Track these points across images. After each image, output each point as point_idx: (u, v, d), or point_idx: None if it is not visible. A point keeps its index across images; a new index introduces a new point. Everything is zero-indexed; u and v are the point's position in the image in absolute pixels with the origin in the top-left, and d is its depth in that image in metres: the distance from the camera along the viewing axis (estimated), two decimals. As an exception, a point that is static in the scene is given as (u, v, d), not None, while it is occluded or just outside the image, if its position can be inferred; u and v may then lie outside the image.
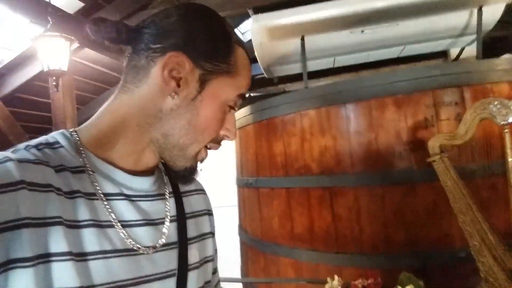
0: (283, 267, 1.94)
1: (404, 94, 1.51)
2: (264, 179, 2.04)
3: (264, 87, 3.93)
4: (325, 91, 1.71)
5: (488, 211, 1.45)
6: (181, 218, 0.60)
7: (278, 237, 1.96)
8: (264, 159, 2.04)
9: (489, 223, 1.22)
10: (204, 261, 0.64)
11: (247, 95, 3.55)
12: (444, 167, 1.21)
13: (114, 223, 0.50)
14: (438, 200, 1.49)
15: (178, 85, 0.52)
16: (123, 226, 0.51)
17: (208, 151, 0.59)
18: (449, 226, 1.49)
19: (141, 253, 0.52)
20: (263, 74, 2.88)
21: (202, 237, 0.65)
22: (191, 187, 0.68)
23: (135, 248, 0.51)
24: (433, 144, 1.23)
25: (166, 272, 0.54)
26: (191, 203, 0.65)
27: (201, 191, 0.70)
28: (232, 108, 0.57)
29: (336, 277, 1.24)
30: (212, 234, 0.69)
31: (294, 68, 2.75)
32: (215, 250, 0.72)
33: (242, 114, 2.24)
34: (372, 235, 1.61)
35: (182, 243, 0.58)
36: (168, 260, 0.55)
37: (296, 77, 3.26)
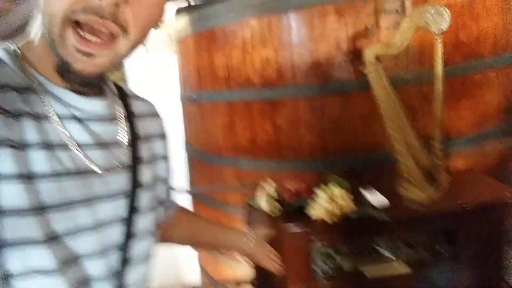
0: (227, 175, 2.02)
1: (345, 2, 1.47)
2: (207, 93, 2.00)
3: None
4: (263, -2, 1.61)
5: (418, 118, 1.56)
6: (134, 140, 0.60)
7: (222, 149, 2.00)
8: (205, 73, 1.97)
9: (416, 129, 1.32)
10: (156, 182, 0.65)
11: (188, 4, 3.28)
12: (377, 76, 1.25)
13: (66, 144, 0.49)
14: (373, 109, 1.56)
15: None
16: (74, 148, 0.50)
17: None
18: (380, 132, 1.59)
19: (93, 174, 0.52)
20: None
21: (155, 159, 0.65)
22: (145, 110, 0.66)
23: (87, 169, 0.51)
24: (368, 54, 1.25)
25: (119, 192, 0.55)
26: (145, 126, 0.64)
27: (154, 114, 0.69)
28: None
29: (271, 181, 1.31)
30: (165, 156, 0.68)
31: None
32: (170, 172, 0.73)
33: (181, 24, 2.09)
34: (310, 143, 1.69)
35: (135, 164, 0.58)
36: (121, 181, 0.56)
37: None
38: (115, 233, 0.55)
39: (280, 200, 1.30)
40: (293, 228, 1.19)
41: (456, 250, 1.16)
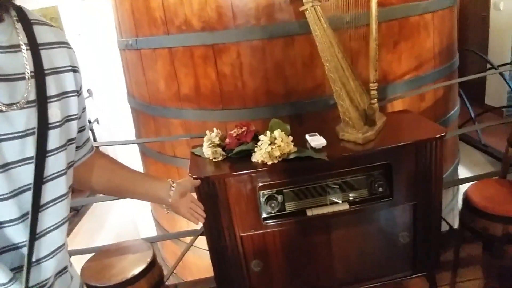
0: (173, 128, 1.97)
1: None
2: (145, 39, 1.87)
3: None
4: None
5: (357, 60, 1.58)
6: (39, 73, 0.53)
7: (166, 99, 1.92)
8: (141, 16, 1.83)
9: (355, 71, 1.33)
10: (66, 120, 0.60)
11: None
12: (315, 16, 1.22)
13: None
14: (314, 52, 1.55)
15: None
16: None
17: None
18: (322, 77, 1.60)
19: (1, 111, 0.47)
20: None
21: (64, 95, 0.59)
22: (52, 39, 0.58)
23: None
24: (307, -8, 1.20)
25: (25, 131, 0.51)
26: (52, 58, 0.57)
27: (64, 44, 0.61)
28: None
29: (214, 129, 1.29)
30: (77, 92, 0.62)
31: None
32: (83, 109, 0.68)
33: (111, -40, 1.89)
34: (254, 89, 1.67)
35: (41, 101, 0.53)
36: (27, 119, 0.51)
37: None
38: (24, 174, 0.51)
39: (223, 146, 1.29)
40: (235, 171, 1.19)
41: (391, 189, 1.23)
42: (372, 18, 1.16)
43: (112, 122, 3.92)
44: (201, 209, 1.03)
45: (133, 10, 1.86)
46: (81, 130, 0.70)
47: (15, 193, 0.50)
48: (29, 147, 0.52)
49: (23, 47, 0.52)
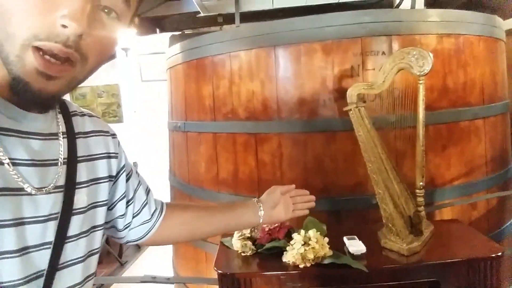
0: (207, 210, 1.94)
1: (333, 40, 1.46)
2: (192, 123, 1.96)
3: (208, 26, 3.71)
4: (255, 32, 1.61)
5: (401, 162, 1.52)
6: (71, 160, 0.56)
7: (204, 181, 1.93)
8: (192, 102, 1.95)
9: (399, 173, 1.27)
10: (93, 206, 0.60)
11: (181, 32, 3.34)
12: (358, 116, 1.21)
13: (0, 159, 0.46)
14: (356, 149, 1.52)
15: None
16: (7, 165, 0.46)
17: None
18: (364, 174, 1.54)
19: (24, 194, 0.48)
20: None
21: (94, 181, 0.61)
22: (89, 128, 0.62)
23: (18, 187, 0.47)
24: (351, 93, 1.22)
25: (49, 215, 0.51)
26: (87, 145, 0.61)
27: (103, 132, 0.65)
28: None
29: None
30: (109, 177, 0.64)
31: (232, 5, 2.58)
32: (135, 190, 0.73)
33: (172, 52, 2.09)
34: (292, 180, 1.63)
35: (69, 186, 0.54)
36: (53, 204, 0.52)
37: (248, 17, 3.07)
38: (41, 260, 0.50)
39: (254, 240, 1.23)
40: (264, 270, 1.11)
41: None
42: (419, 123, 1.13)
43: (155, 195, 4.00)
44: (302, 196, 0.98)
45: (185, 95, 1.99)
46: (143, 206, 0.75)
47: (28, 279, 0.48)
48: (50, 231, 0.51)
49: (61, 135, 0.55)
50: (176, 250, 2.35)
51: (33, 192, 0.49)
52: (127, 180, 0.71)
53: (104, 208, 0.63)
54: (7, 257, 0.45)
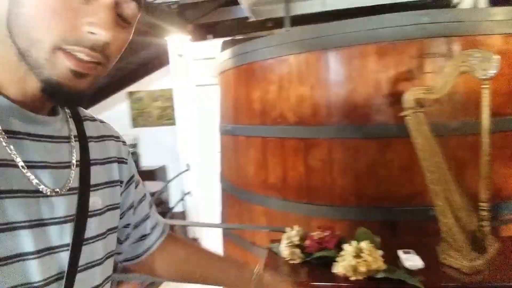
0: (256, 214, 1.95)
1: (388, 43, 1.40)
2: (242, 126, 1.98)
3: (258, 31, 3.73)
4: (305, 36, 1.58)
5: (464, 173, 1.41)
6: (84, 163, 0.57)
7: (253, 185, 1.94)
8: (242, 106, 1.96)
9: (460, 184, 1.18)
10: (108, 209, 0.61)
11: (232, 38, 3.39)
12: (417, 123, 1.14)
13: (12, 162, 0.46)
14: (413, 157, 1.43)
15: None
16: (20, 167, 0.47)
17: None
18: (422, 184, 1.45)
19: (40, 196, 0.49)
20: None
21: (108, 184, 0.62)
22: (100, 132, 0.64)
23: (34, 189, 0.48)
24: (408, 98, 1.15)
25: (65, 217, 0.52)
26: (99, 149, 0.62)
27: (113, 137, 0.67)
28: None
29: (295, 228, 1.22)
30: (120, 182, 0.66)
31: (282, 10, 2.57)
32: (140, 199, 0.73)
33: (223, 58, 2.12)
34: (343, 187, 1.58)
35: (83, 188, 0.56)
36: (68, 205, 0.53)
37: (297, 21, 3.05)
38: (60, 262, 0.51)
39: (302, 247, 1.20)
40: (312, 280, 1.08)
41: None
42: (484, 130, 1.04)
43: (203, 198, 4.09)
44: None
45: (235, 100, 2.01)
46: (144, 218, 0.74)
47: (48, 281, 0.49)
48: (67, 233, 0.52)
49: (72, 138, 0.56)
50: (225, 253, 2.38)
51: (49, 193, 0.49)
52: (135, 189, 0.72)
53: (118, 211, 0.65)
54: (27, 259, 0.46)
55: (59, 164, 0.53)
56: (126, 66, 4.83)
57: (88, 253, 0.54)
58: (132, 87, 5.43)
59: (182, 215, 4.45)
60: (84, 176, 0.56)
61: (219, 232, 2.58)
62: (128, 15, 0.48)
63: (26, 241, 0.46)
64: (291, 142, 1.70)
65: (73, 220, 0.53)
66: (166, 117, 5.34)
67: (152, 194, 3.96)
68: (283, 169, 1.76)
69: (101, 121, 0.67)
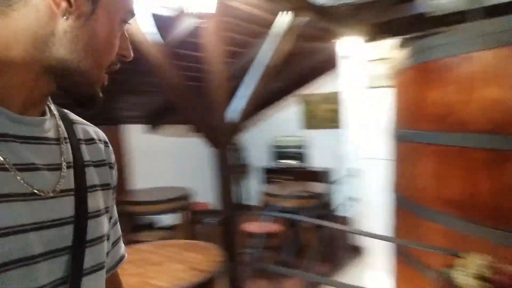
0: (432, 234, 1.72)
1: None
2: (417, 132, 1.79)
3: (437, 27, 3.32)
4: (496, 28, 1.31)
5: None
6: (78, 164, 0.57)
7: (427, 199, 1.73)
8: (418, 109, 1.77)
9: None
10: (106, 211, 0.62)
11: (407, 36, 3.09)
12: None
13: (5, 165, 0.46)
14: None
15: (70, 5, 0.47)
16: (10, 170, 0.46)
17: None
18: None
19: (33, 199, 0.48)
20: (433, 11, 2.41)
21: (102, 187, 0.62)
22: (91, 135, 0.64)
23: (24, 192, 0.47)
24: None
25: (64, 218, 0.52)
26: (90, 152, 0.62)
27: (101, 141, 0.66)
28: (125, 23, 0.57)
29: (480, 255, 1.02)
30: (110, 186, 0.65)
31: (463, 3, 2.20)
32: (114, 202, 0.69)
33: (398, 57, 1.97)
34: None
35: (81, 189, 0.56)
36: (66, 207, 0.52)
37: (480, 14, 2.60)
38: (64, 265, 0.50)
39: (489, 280, 1.00)
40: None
41: None
42: None
43: (369, 205, 3.93)
44: None
45: (410, 102, 1.84)
46: (114, 224, 0.69)
47: (53, 285, 0.49)
48: (68, 236, 0.51)
49: (63, 140, 0.56)
50: (395, 272, 2.21)
51: (43, 195, 0.49)
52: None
53: (107, 215, 0.63)
54: (30, 263, 0.45)
55: (50, 166, 0.52)
56: (297, 70, 5.06)
57: (91, 256, 0.54)
58: (303, 90, 5.66)
59: (345, 220, 4.38)
60: (80, 177, 0.56)
61: (385, 243, 2.41)
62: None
63: (28, 244, 0.45)
64: (478, 153, 1.44)
65: (72, 222, 0.52)
66: (331, 120, 5.35)
67: (316, 196, 4.03)
68: (467, 184, 1.51)
69: (90, 125, 0.67)
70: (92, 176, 0.60)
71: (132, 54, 0.59)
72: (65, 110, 0.63)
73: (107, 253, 0.63)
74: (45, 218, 0.49)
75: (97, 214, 0.58)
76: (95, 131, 0.66)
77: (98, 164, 0.63)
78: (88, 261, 0.54)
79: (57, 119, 0.58)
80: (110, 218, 0.66)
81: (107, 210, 0.63)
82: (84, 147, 0.61)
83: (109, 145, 0.68)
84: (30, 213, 0.47)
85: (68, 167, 0.55)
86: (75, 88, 0.53)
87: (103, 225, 0.60)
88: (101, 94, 0.56)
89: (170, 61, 2.49)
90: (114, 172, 0.68)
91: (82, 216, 0.54)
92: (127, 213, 3.72)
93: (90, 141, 0.63)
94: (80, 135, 0.62)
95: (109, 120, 4.56)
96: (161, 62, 2.44)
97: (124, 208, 3.67)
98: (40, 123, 0.53)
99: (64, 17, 0.48)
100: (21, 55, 0.47)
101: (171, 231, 4.31)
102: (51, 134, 0.55)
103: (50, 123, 0.56)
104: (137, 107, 4.64)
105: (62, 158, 0.55)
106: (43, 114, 0.56)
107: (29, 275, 0.45)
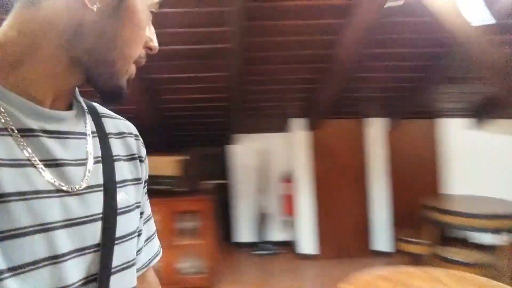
0: None
1: None
2: None
3: None
4: None
5: None
6: (107, 159, 0.56)
7: None
8: None
9: None
10: (136, 206, 0.60)
11: None
12: None
13: (31, 162, 0.45)
14: None
15: None
16: (38, 166, 0.46)
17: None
18: None
19: (66, 194, 0.48)
20: None
21: (134, 181, 0.60)
22: (120, 129, 0.62)
23: (58, 188, 0.47)
24: None
25: (93, 215, 0.50)
26: (121, 145, 0.61)
27: (132, 135, 0.64)
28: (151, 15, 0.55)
29: None
30: (141, 180, 0.63)
31: None
32: (146, 196, 0.67)
33: None
34: None
35: (109, 184, 0.54)
36: (94, 203, 0.51)
37: None
38: (94, 263, 0.49)
39: None
40: None
41: None
42: None
43: None
44: None
45: None
46: (143, 217, 0.66)
47: (83, 282, 0.48)
48: (98, 232, 0.50)
49: (91, 134, 0.55)
50: None
51: (72, 191, 0.48)
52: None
53: (139, 210, 0.62)
54: (59, 261, 0.45)
55: (78, 161, 0.51)
56: None
57: (120, 253, 0.53)
58: None
59: None
60: (109, 171, 0.55)
61: None
62: None
63: (57, 242, 0.45)
64: None
65: (101, 218, 0.51)
66: None
67: None
68: None
69: (120, 118, 0.65)
70: (122, 170, 0.59)
71: (157, 47, 0.56)
72: (93, 103, 0.62)
73: (140, 250, 0.64)
74: (73, 215, 0.48)
75: (127, 210, 0.57)
76: (124, 124, 0.65)
77: (129, 158, 0.62)
78: (117, 258, 0.53)
79: (85, 112, 0.58)
80: (142, 213, 0.65)
81: (138, 205, 0.61)
82: (113, 141, 0.60)
83: (140, 138, 0.67)
84: (59, 210, 0.46)
85: (96, 162, 0.54)
86: (102, 80, 0.52)
87: (134, 221, 0.59)
88: (127, 88, 0.54)
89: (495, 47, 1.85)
90: (145, 166, 0.66)
91: (110, 213, 0.53)
92: (437, 222, 3.29)
93: (120, 134, 0.62)
94: (109, 129, 0.61)
95: (423, 113, 4.16)
96: (485, 46, 1.83)
97: (434, 215, 3.29)
98: (68, 117, 0.52)
99: (94, 7, 0.47)
100: (49, 46, 0.47)
101: (489, 253, 3.43)
102: (78, 128, 0.54)
103: (78, 117, 0.55)
104: (459, 98, 3.94)
105: (90, 153, 0.54)
106: (70, 106, 0.55)
107: (57, 273, 0.45)
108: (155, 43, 0.56)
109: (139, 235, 0.62)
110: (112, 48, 0.49)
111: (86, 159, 0.52)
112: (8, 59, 0.45)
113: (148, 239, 0.67)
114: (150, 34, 0.55)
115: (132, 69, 0.54)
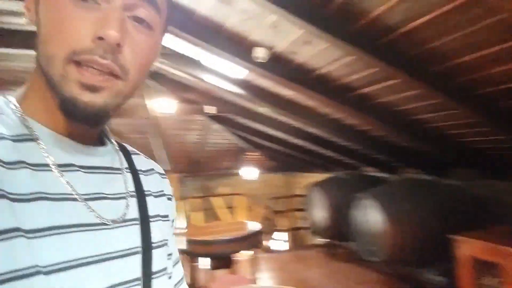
0: None
1: None
2: None
3: None
4: None
5: None
6: (140, 194, 0.56)
7: None
8: None
9: None
10: (164, 243, 0.58)
11: None
12: None
13: (67, 196, 0.45)
14: None
15: (28, 8, 0.46)
16: (79, 200, 0.46)
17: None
18: None
19: (100, 229, 0.47)
20: None
21: (162, 218, 0.60)
22: (147, 167, 0.63)
23: (93, 222, 0.46)
24: None
25: (129, 249, 0.50)
26: (150, 182, 0.61)
27: (159, 173, 0.65)
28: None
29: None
30: (169, 218, 0.62)
31: None
32: (174, 237, 0.66)
33: None
34: None
35: (144, 219, 0.54)
36: (130, 237, 0.51)
37: None
38: None
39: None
40: None
41: None
42: None
43: None
44: None
45: None
46: (173, 260, 0.63)
47: None
48: (135, 267, 0.50)
49: (123, 170, 0.55)
50: None
51: (108, 226, 0.48)
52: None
53: (167, 248, 0.59)
54: None
55: (116, 195, 0.52)
56: None
57: (158, 287, 0.52)
58: None
59: None
60: (143, 206, 0.55)
61: None
62: (146, 16, 0.46)
63: (94, 278, 0.44)
64: None
65: (138, 252, 0.50)
66: None
67: None
68: None
69: (146, 157, 0.65)
70: (154, 205, 0.58)
71: (112, 33, 0.41)
72: (122, 143, 0.63)
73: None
74: (108, 250, 0.47)
75: (161, 245, 0.56)
76: (151, 163, 0.65)
77: (157, 195, 0.62)
78: None
79: (116, 148, 0.58)
80: (170, 254, 0.61)
81: (166, 242, 0.59)
82: (143, 177, 0.60)
83: (166, 176, 0.66)
84: (90, 245, 0.45)
85: (131, 196, 0.55)
86: (54, 93, 0.44)
87: (164, 258, 0.58)
88: (86, 98, 0.43)
89: None
90: (173, 204, 0.65)
91: (147, 247, 0.52)
92: None
93: (149, 171, 0.62)
94: (139, 166, 0.61)
95: None
96: None
97: None
98: (101, 152, 0.53)
99: (27, 17, 0.47)
100: (37, 67, 0.46)
101: None
102: (113, 163, 0.55)
103: (110, 153, 0.56)
104: None
105: (126, 187, 0.54)
106: (102, 143, 0.56)
107: None
108: (105, 30, 0.41)
109: (169, 277, 0.59)
110: (39, 52, 0.44)
111: (124, 193, 0.53)
112: (35, 98, 0.47)
113: (178, 283, 0.63)
114: (101, 21, 0.42)
115: (74, 72, 0.42)
